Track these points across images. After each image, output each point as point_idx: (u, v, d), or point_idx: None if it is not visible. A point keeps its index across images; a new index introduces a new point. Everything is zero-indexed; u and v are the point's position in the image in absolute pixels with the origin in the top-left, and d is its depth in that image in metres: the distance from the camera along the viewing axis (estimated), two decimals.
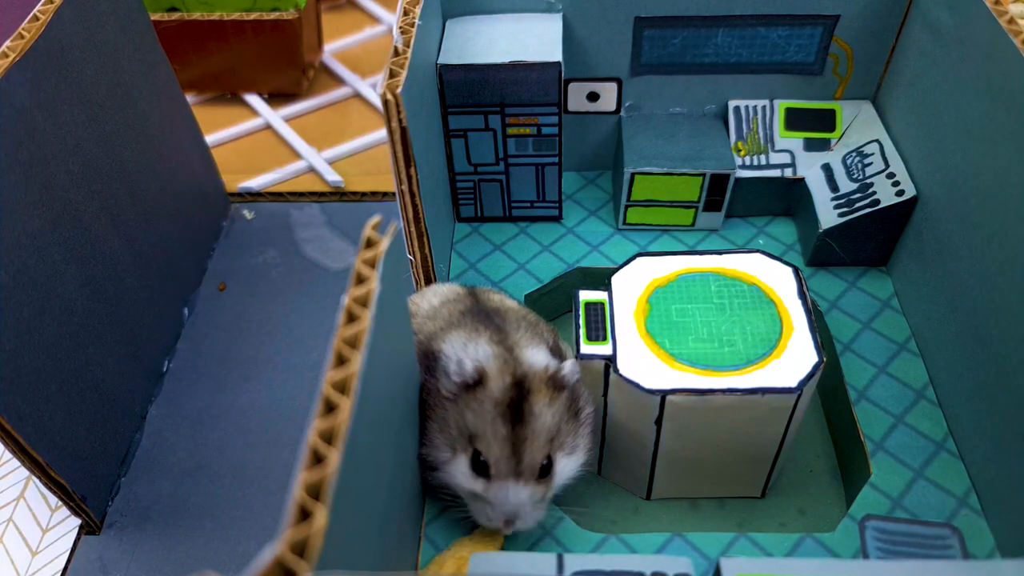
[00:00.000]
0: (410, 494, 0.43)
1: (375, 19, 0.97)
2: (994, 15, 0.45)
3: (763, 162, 0.61)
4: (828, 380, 0.54)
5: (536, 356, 0.43)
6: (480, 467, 0.41)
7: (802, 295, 0.47)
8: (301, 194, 0.74)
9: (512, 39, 0.56)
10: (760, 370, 0.43)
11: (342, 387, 0.29)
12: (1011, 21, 0.45)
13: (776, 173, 0.60)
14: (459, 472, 0.42)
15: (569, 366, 0.42)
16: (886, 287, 0.58)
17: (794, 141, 0.61)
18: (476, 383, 0.41)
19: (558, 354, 0.45)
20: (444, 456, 0.42)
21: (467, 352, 0.43)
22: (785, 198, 0.62)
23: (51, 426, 0.47)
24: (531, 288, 0.58)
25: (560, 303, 0.61)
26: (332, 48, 0.92)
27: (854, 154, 0.59)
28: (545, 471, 0.41)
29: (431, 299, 0.50)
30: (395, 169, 0.45)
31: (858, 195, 0.56)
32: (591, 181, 0.67)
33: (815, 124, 0.62)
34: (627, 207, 0.61)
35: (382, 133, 0.80)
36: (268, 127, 0.82)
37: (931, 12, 0.53)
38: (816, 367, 0.43)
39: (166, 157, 0.62)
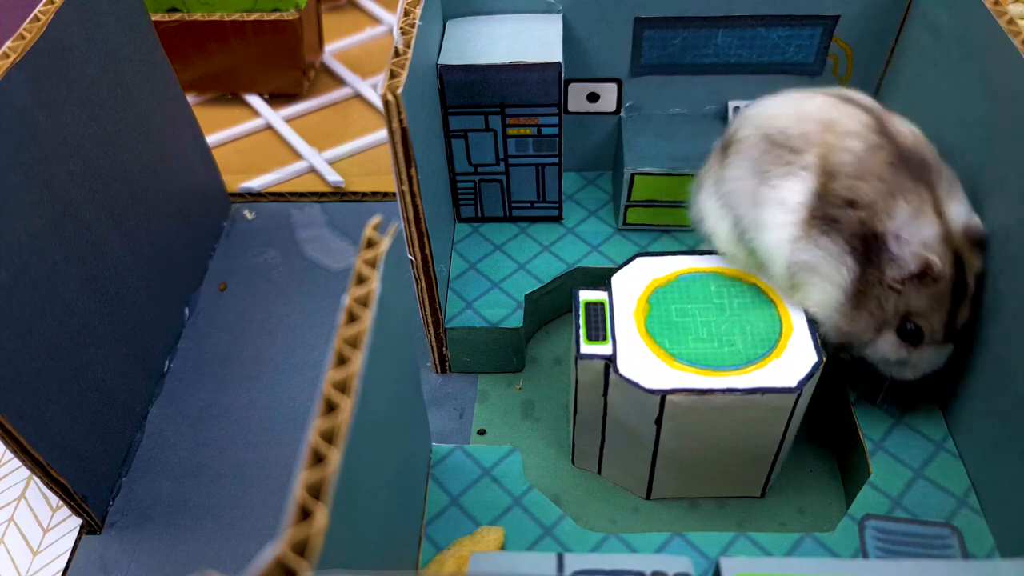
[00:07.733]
0: (410, 494, 0.43)
1: (375, 19, 0.97)
2: (994, 15, 0.46)
3: None
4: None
5: (958, 211, 0.43)
6: (910, 336, 0.43)
7: None
8: (302, 194, 0.74)
9: (512, 39, 0.56)
10: (760, 370, 0.43)
11: (343, 387, 0.29)
12: (1011, 21, 0.45)
13: None
14: (886, 345, 0.44)
15: (977, 218, 0.43)
16: None
17: None
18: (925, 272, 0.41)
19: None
20: (868, 336, 0.44)
21: (917, 235, 0.41)
22: None
23: (52, 426, 0.47)
24: (531, 288, 0.58)
25: (560, 303, 0.61)
26: (333, 48, 0.92)
27: None
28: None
29: (850, 142, 0.43)
30: (396, 169, 0.45)
31: None
32: (591, 181, 0.67)
33: None
34: (627, 207, 0.61)
35: (383, 133, 0.80)
36: (269, 127, 0.82)
37: (931, 12, 0.53)
38: (816, 367, 0.43)
39: (167, 157, 0.62)
